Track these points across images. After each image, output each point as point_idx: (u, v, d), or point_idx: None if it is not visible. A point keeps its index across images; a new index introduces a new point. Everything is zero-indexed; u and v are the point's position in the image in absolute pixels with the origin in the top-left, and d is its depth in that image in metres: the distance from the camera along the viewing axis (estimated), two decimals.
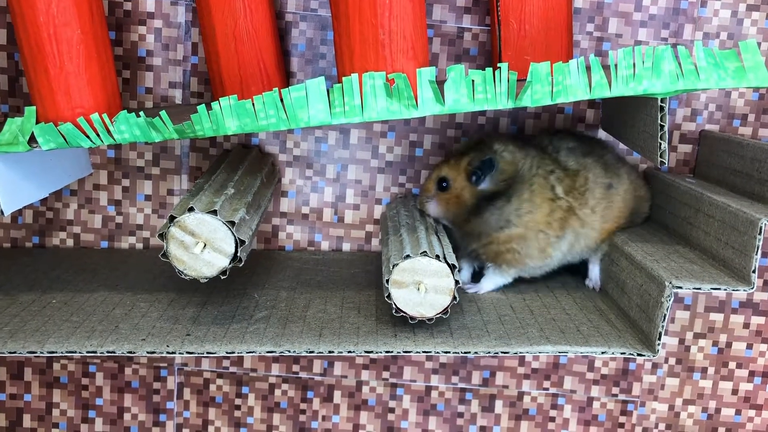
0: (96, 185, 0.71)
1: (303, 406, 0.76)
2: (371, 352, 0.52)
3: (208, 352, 0.51)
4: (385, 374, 0.75)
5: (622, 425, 0.77)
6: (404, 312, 0.53)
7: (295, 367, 0.75)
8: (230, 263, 0.51)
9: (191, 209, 0.50)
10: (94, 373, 0.74)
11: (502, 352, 0.52)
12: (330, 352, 0.52)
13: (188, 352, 0.51)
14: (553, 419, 0.77)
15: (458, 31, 0.70)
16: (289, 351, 0.52)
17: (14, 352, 0.51)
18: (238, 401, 0.75)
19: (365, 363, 0.75)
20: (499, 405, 0.76)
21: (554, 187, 0.62)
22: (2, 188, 0.54)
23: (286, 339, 0.53)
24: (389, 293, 0.53)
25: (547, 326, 0.56)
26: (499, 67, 0.52)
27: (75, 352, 0.51)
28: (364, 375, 0.75)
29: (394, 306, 0.53)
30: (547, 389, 0.76)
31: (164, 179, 0.71)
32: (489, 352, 0.52)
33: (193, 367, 0.74)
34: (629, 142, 0.62)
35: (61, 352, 0.51)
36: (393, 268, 0.52)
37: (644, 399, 0.76)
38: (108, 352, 0.51)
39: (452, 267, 0.52)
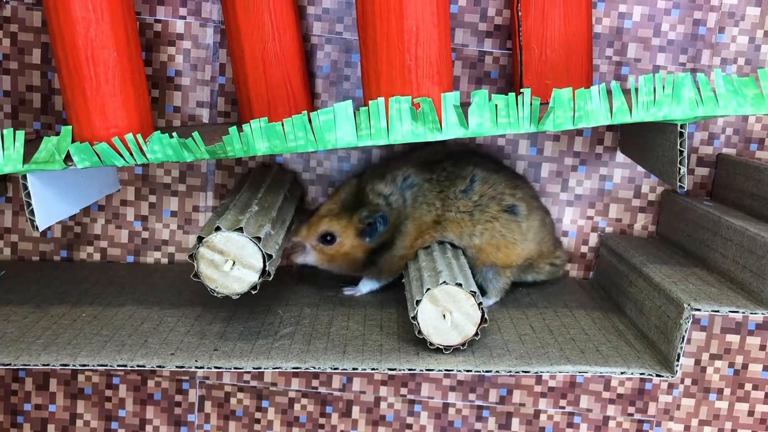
0: (123, 201, 0.73)
1: (322, 420, 0.77)
2: (394, 369, 0.53)
3: (235, 368, 0.53)
4: (403, 390, 0.76)
5: None
6: (425, 335, 0.54)
7: (315, 382, 0.76)
8: (260, 278, 0.53)
9: (218, 228, 0.51)
10: (118, 385, 0.76)
11: (523, 372, 0.53)
12: (354, 369, 0.53)
13: (216, 367, 0.52)
14: None
15: (479, 54, 0.71)
16: (314, 368, 0.53)
17: (47, 365, 0.52)
18: (258, 415, 0.77)
19: (383, 379, 0.76)
20: (515, 423, 0.77)
21: (437, 208, 0.65)
22: (37, 205, 0.56)
23: (311, 355, 0.54)
24: (416, 314, 0.54)
25: (567, 346, 0.57)
26: (522, 93, 0.54)
27: (106, 365, 0.52)
28: (383, 391, 0.76)
29: (417, 327, 0.54)
30: (563, 408, 0.77)
31: (190, 196, 0.73)
32: (510, 371, 0.53)
33: (214, 380, 0.76)
34: (648, 165, 0.64)
35: (93, 366, 0.52)
36: (427, 291, 0.54)
37: (660, 419, 0.76)
38: (138, 366, 0.52)
39: (484, 320, 0.55)
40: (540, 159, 0.73)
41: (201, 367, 0.52)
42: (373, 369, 0.53)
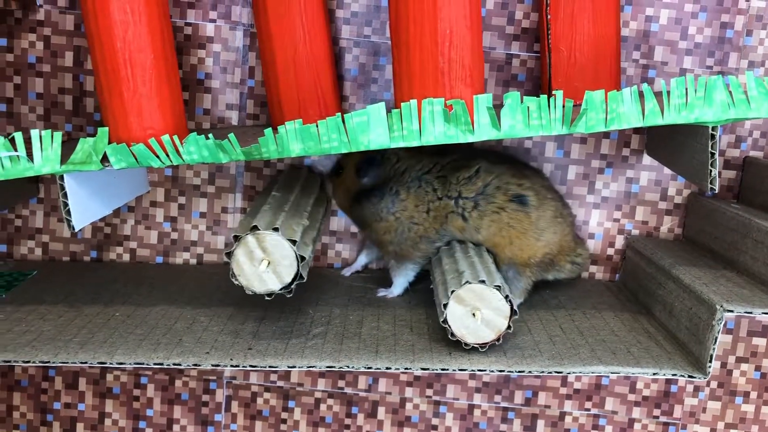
0: (153, 202, 0.74)
1: (347, 421, 0.77)
2: (427, 369, 0.54)
3: (270, 366, 0.53)
4: (429, 391, 0.77)
5: None
6: (458, 337, 0.55)
7: (341, 383, 0.76)
8: (280, 289, 0.53)
9: (276, 229, 0.52)
10: (146, 385, 0.76)
11: (555, 372, 0.53)
12: (387, 368, 0.53)
13: (251, 366, 0.53)
14: None
15: (507, 57, 0.72)
16: (348, 367, 0.53)
17: (85, 362, 0.53)
18: (284, 415, 0.77)
19: (409, 380, 0.76)
20: (541, 425, 0.77)
21: (436, 190, 0.65)
22: (73, 205, 0.56)
23: (344, 355, 0.55)
24: (445, 317, 0.54)
25: (598, 347, 0.57)
26: (554, 94, 0.54)
27: (143, 363, 0.53)
28: (408, 392, 0.77)
29: (449, 330, 0.55)
30: (588, 410, 0.77)
31: (219, 197, 0.74)
32: (543, 372, 0.53)
33: (241, 380, 0.76)
34: (676, 168, 0.64)
35: (130, 364, 0.53)
36: (464, 284, 0.54)
37: (685, 422, 0.76)
38: (174, 364, 0.53)
39: (514, 312, 0.55)
40: (567, 161, 0.73)
41: (236, 366, 0.53)
42: (406, 369, 0.53)
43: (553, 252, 0.67)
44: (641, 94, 0.55)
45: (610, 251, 0.75)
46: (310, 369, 0.53)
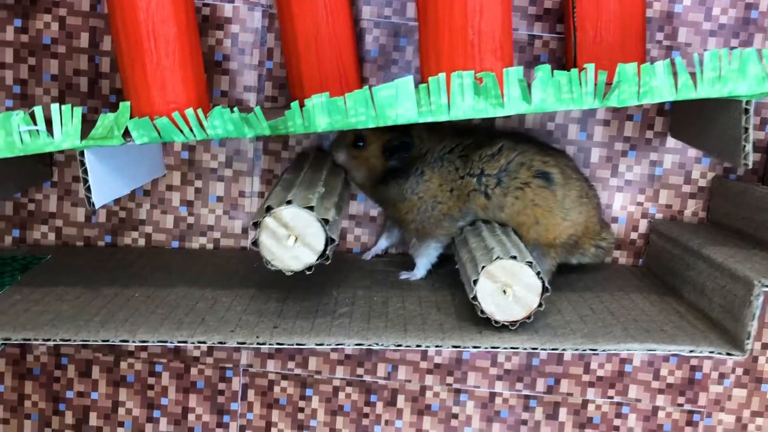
0: (169, 186, 0.73)
1: (366, 409, 0.76)
2: (458, 347, 0.52)
3: (297, 344, 0.52)
4: (449, 379, 0.75)
5: None
6: (488, 314, 0.54)
7: (359, 370, 0.75)
8: (317, 259, 0.52)
9: (289, 202, 0.51)
10: (161, 373, 0.75)
11: (590, 350, 0.52)
12: (418, 346, 0.52)
13: (278, 344, 0.52)
14: (617, 428, 0.76)
15: (529, 38, 0.71)
16: (377, 344, 0.52)
17: (107, 341, 0.51)
18: (302, 403, 0.76)
19: (429, 368, 0.75)
20: (563, 413, 0.76)
21: (458, 168, 0.64)
22: (93, 182, 0.55)
23: (373, 333, 0.53)
24: (475, 294, 0.53)
25: (631, 326, 0.56)
26: (585, 68, 0.53)
27: (166, 341, 0.51)
28: (428, 380, 0.75)
29: (479, 307, 0.53)
30: (611, 398, 0.75)
31: (236, 181, 0.73)
32: (577, 349, 0.52)
33: (258, 368, 0.75)
34: (705, 145, 0.63)
35: (153, 342, 0.51)
36: (495, 260, 0.53)
37: (710, 410, 0.75)
38: (199, 342, 0.51)
39: (546, 289, 0.54)
40: (590, 144, 0.72)
41: (263, 343, 0.51)
42: (437, 346, 0.52)
43: (578, 234, 0.65)
44: (674, 67, 0.54)
45: (634, 235, 0.74)
46: (338, 347, 0.52)
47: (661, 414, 0.76)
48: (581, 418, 0.76)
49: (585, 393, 0.75)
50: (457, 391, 0.75)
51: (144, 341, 0.51)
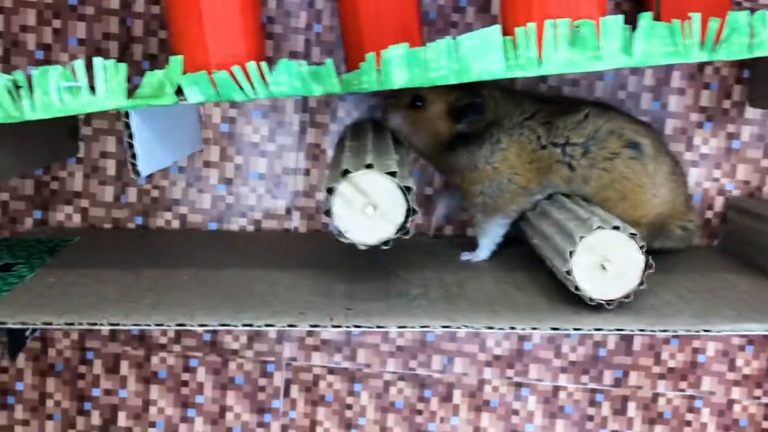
0: (206, 162, 0.66)
1: (420, 406, 0.70)
2: (557, 329, 0.46)
3: (377, 326, 0.46)
4: (509, 372, 0.69)
5: (765, 431, 0.70)
6: (582, 290, 0.48)
7: (413, 363, 0.69)
8: (396, 233, 0.46)
9: (369, 166, 0.45)
10: (196, 368, 0.68)
11: (704, 330, 0.47)
12: (512, 328, 0.46)
13: (355, 326, 0.46)
14: (689, 423, 0.70)
15: None
16: (467, 326, 0.46)
17: (161, 324, 0.45)
18: (349, 400, 0.69)
19: (488, 360, 0.69)
20: (632, 407, 0.70)
21: (540, 137, 0.58)
22: (140, 147, 0.49)
23: (460, 314, 0.47)
24: (570, 268, 0.48)
25: (739, 305, 0.50)
26: (690, 17, 0.48)
27: (228, 325, 0.45)
28: (487, 373, 0.69)
29: (573, 282, 0.48)
30: (683, 390, 0.70)
31: (279, 157, 0.66)
32: (689, 331, 0.47)
33: (302, 362, 0.68)
34: None
35: (214, 325, 0.45)
36: (596, 229, 0.48)
37: None
38: (267, 325, 0.45)
39: (649, 266, 0.48)
40: (663, 114, 0.67)
41: (338, 326, 0.45)
42: (533, 328, 0.46)
43: (666, 213, 0.59)
44: None
45: (709, 214, 0.68)
46: (424, 329, 0.46)
47: (736, 408, 0.70)
48: (651, 413, 0.70)
49: (655, 386, 0.70)
50: (518, 385, 0.70)
51: (203, 325, 0.45)
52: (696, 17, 0.48)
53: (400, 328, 0.46)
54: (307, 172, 0.67)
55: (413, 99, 0.59)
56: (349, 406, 0.70)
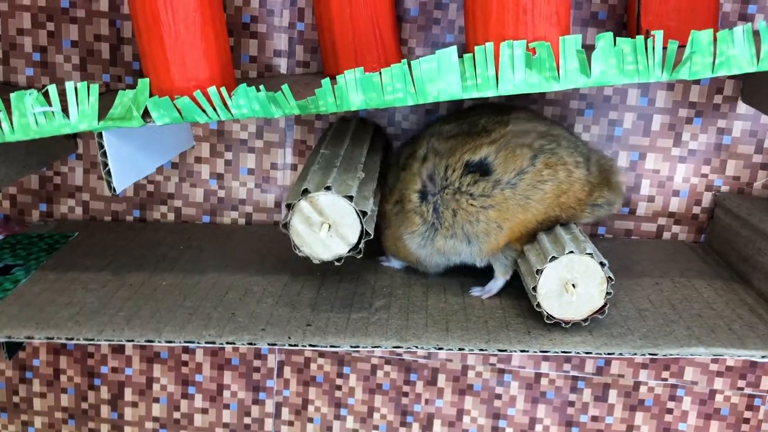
0: (198, 158, 0.69)
1: (406, 388, 0.73)
2: (504, 350, 0.48)
3: (331, 345, 0.48)
4: (493, 359, 0.72)
5: (747, 421, 0.71)
6: (551, 314, 0.49)
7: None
8: (348, 251, 0.48)
9: (328, 188, 0.46)
10: (195, 350, 0.73)
11: (650, 354, 0.48)
12: (461, 349, 0.48)
13: (311, 345, 0.48)
14: (670, 411, 0.72)
15: None
16: (417, 347, 0.48)
17: (132, 340, 0.49)
18: (339, 381, 0.73)
19: None
20: (613, 395, 0.72)
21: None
22: (114, 165, 0.51)
23: (412, 333, 0.50)
24: (538, 302, 0.49)
25: (694, 323, 0.51)
26: (653, 35, 0.47)
27: (193, 342, 0.48)
28: (470, 359, 0.72)
29: (537, 300, 0.49)
30: (665, 380, 0.71)
31: (267, 152, 0.68)
32: (635, 354, 0.48)
33: None
34: None
35: (179, 342, 0.48)
36: (551, 259, 0.48)
37: None
38: (227, 343, 0.48)
39: (609, 279, 0.49)
40: (651, 110, 0.66)
41: (295, 345, 0.48)
42: (481, 350, 0.48)
43: (553, 215, 0.54)
44: (756, 34, 0.47)
45: (696, 209, 0.68)
46: (375, 348, 0.48)
47: (719, 398, 0.71)
48: (632, 401, 0.72)
49: (637, 374, 0.71)
50: (501, 371, 0.72)
51: (170, 341, 0.48)
52: (659, 35, 0.47)
53: (353, 347, 0.48)
54: (294, 167, 0.69)
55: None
56: (339, 387, 0.73)
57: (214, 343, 0.48)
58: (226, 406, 0.74)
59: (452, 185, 0.53)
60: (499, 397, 0.73)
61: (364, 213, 0.47)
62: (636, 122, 0.66)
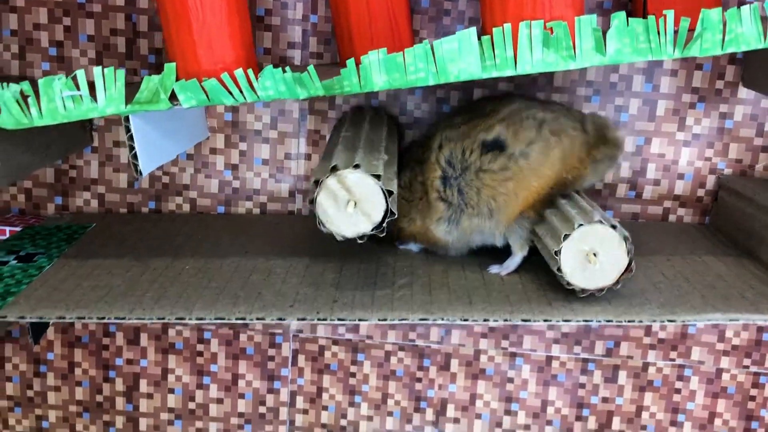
0: (213, 149, 0.70)
1: (419, 374, 0.74)
2: (528, 320, 0.50)
3: (360, 319, 0.49)
4: (504, 343, 0.73)
5: (753, 398, 0.73)
6: (573, 284, 0.51)
7: (412, 335, 0.73)
8: (372, 230, 0.49)
9: (357, 166, 0.48)
10: (209, 340, 0.74)
11: (668, 321, 0.49)
12: (485, 320, 0.50)
13: (339, 319, 0.49)
14: (678, 391, 0.74)
15: None
16: (443, 319, 0.50)
17: (163, 318, 0.49)
18: (353, 368, 0.74)
19: (483, 331, 0.73)
20: (622, 376, 0.73)
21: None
22: (140, 148, 0.52)
23: (437, 307, 0.51)
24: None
25: (708, 293, 0.53)
26: (665, 15, 0.49)
27: (224, 318, 0.49)
28: (483, 343, 0.73)
29: (558, 264, 0.50)
30: (673, 360, 0.73)
31: (281, 143, 0.70)
32: (654, 321, 0.49)
33: (308, 333, 0.73)
34: None
35: (210, 319, 0.49)
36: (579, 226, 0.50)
37: None
38: (257, 319, 0.49)
39: (629, 269, 0.50)
40: (656, 96, 0.68)
41: (324, 319, 0.49)
42: (505, 320, 0.49)
43: (560, 176, 0.56)
44: (764, 17, 0.49)
45: (701, 192, 0.70)
46: (402, 322, 0.49)
47: (725, 377, 0.73)
48: (641, 381, 0.73)
49: (646, 356, 0.73)
50: (513, 355, 0.73)
51: (201, 318, 0.49)
52: (670, 14, 0.49)
53: (381, 320, 0.49)
54: (308, 157, 0.70)
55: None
56: (353, 374, 0.74)
57: (244, 319, 0.49)
58: (241, 396, 0.75)
59: (473, 165, 0.55)
60: (511, 380, 0.74)
61: (390, 192, 0.49)
62: (641, 108, 0.68)
